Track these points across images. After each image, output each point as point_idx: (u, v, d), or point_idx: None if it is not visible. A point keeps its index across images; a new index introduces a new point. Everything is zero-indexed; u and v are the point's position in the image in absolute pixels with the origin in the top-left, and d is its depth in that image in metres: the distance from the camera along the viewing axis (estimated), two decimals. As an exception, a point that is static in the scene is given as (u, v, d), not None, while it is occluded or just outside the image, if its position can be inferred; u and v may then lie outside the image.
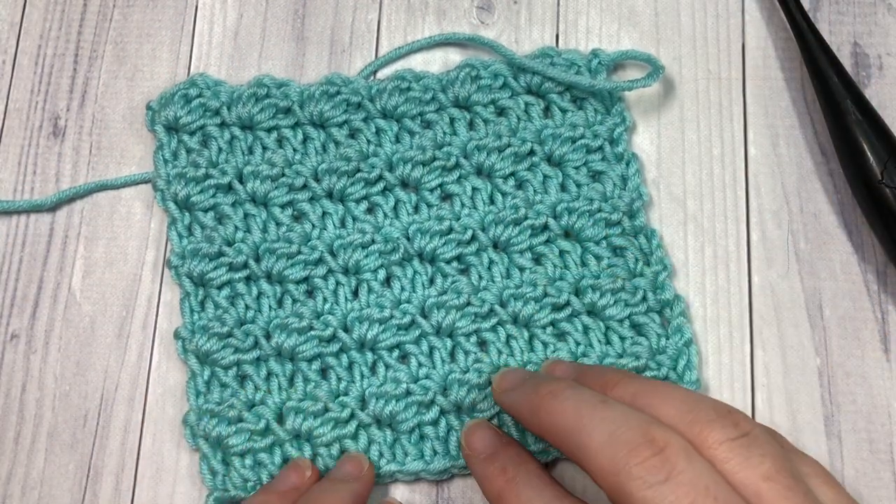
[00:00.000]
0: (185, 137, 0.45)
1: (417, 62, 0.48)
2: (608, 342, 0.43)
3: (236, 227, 0.44)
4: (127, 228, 0.46)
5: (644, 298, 0.43)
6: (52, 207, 0.46)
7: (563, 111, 0.45)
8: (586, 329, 0.43)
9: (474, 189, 0.45)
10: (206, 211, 0.44)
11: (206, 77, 0.46)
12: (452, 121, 0.46)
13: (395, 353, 0.43)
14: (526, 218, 0.43)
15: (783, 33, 0.48)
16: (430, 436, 0.42)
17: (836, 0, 0.48)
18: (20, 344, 0.45)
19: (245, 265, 0.43)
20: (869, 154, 0.42)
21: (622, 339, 0.42)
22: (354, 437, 0.41)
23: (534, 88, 0.46)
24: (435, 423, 0.42)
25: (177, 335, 0.43)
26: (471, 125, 0.46)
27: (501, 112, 0.46)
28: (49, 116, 0.48)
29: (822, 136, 0.46)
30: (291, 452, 0.41)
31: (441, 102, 0.46)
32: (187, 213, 0.44)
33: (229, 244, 0.43)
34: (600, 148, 0.44)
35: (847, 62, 0.46)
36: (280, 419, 0.41)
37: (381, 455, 0.41)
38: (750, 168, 0.46)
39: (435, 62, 0.48)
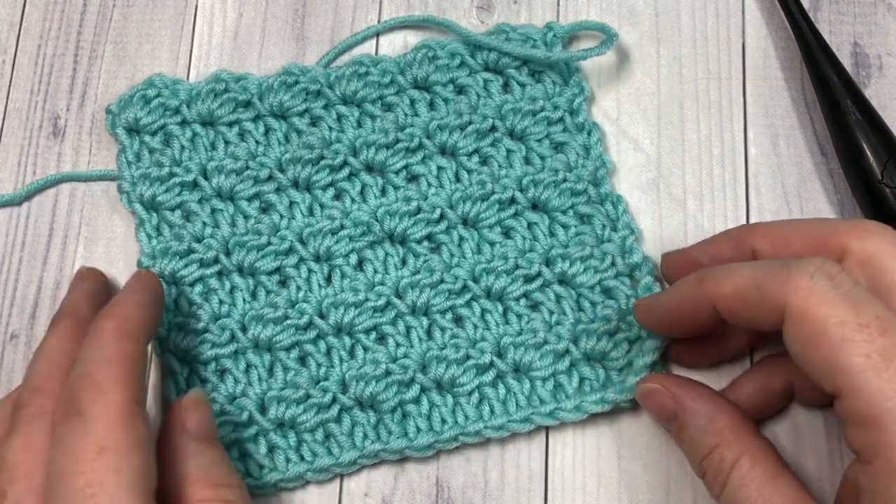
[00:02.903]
0: (147, 138, 0.45)
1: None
2: (580, 309, 0.43)
3: (204, 224, 0.44)
4: (127, 228, 0.46)
5: (613, 263, 0.43)
6: (24, 200, 0.46)
7: (522, 85, 0.46)
8: (559, 298, 0.43)
9: (439, 168, 0.45)
10: (172, 210, 0.44)
11: (164, 76, 0.46)
12: (413, 102, 0.46)
13: (373, 335, 0.43)
14: (493, 193, 0.44)
15: (783, 33, 0.48)
16: (412, 413, 0.42)
17: (836, 0, 0.48)
18: (20, 344, 0.45)
19: (216, 260, 0.43)
20: (869, 154, 0.42)
21: (593, 304, 0.43)
22: (338, 420, 0.42)
23: (491, 65, 0.46)
24: (416, 400, 0.42)
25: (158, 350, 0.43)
26: (431, 105, 0.46)
27: (461, 90, 0.46)
28: (49, 116, 0.48)
29: (822, 136, 0.46)
30: (276, 441, 0.41)
31: (400, 85, 0.46)
32: (154, 214, 0.44)
33: (198, 241, 0.44)
34: (561, 119, 0.45)
35: (847, 62, 0.46)
36: (262, 409, 0.42)
37: (365, 436, 0.42)
38: (750, 168, 0.46)
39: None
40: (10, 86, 0.48)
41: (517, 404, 0.42)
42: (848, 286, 0.31)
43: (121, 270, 0.45)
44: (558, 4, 0.49)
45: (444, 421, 0.42)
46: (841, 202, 0.45)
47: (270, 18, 0.49)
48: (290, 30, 0.49)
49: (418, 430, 0.42)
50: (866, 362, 0.30)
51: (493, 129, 0.45)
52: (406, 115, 0.46)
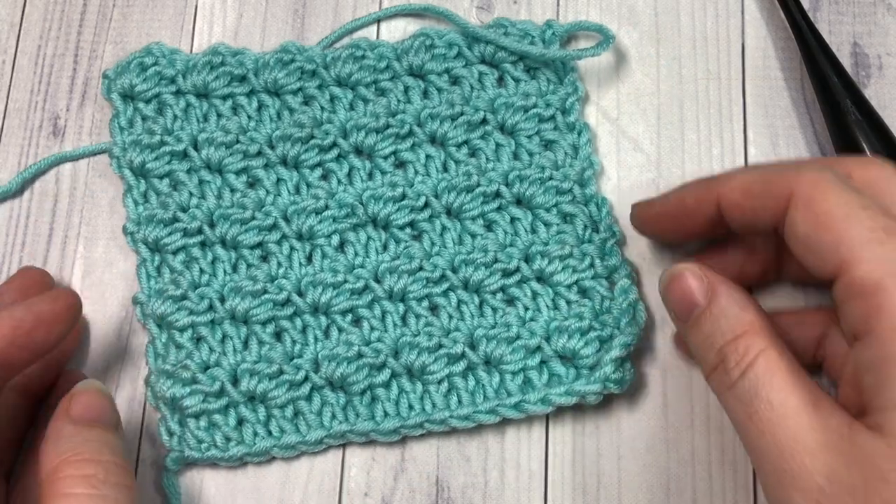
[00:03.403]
0: (141, 105, 0.45)
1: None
2: (556, 307, 0.43)
3: (191, 194, 0.44)
4: (127, 228, 0.46)
5: (591, 265, 0.43)
6: (19, 191, 0.47)
7: (517, 81, 0.46)
8: (535, 295, 0.43)
9: (428, 157, 0.45)
10: (161, 178, 0.45)
11: (162, 45, 0.46)
12: (407, 89, 0.46)
13: (349, 317, 0.43)
14: (478, 185, 0.44)
15: (783, 33, 0.48)
16: (381, 397, 0.42)
17: (835, 0, 0.48)
18: (20, 344, 0.45)
19: (199, 230, 0.43)
20: (869, 154, 0.42)
21: (569, 303, 0.43)
22: (308, 398, 0.42)
23: (487, 58, 0.46)
24: (386, 385, 0.42)
25: (135, 300, 0.44)
26: (425, 94, 0.46)
27: (455, 81, 0.46)
28: (49, 116, 0.48)
29: (821, 136, 0.46)
30: (245, 414, 0.42)
31: (395, 71, 0.46)
32: (143, 181, 0.45)
33: (184, 210, 0.44)
34: (552, 117, 0.45)
35: (847, 62, 0.46)
36: (235, 381, 0.42)
37: (333, 416, 0.42)
38: (750, 168, 0.46)
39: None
40: (10, 86, 0.48)
41: (485, 396, 0.42)
42: (847, 183, 0.33)
43: (121, 270, 0.45)
44: (558, 4, 0.49)
45: (411, 407, 0.42)
46: (841, 202, 0.45)
47: (270, 18, 0.49)
48: (290, 30, 0.49)
49: (385, 414, 0.42)
50: (871, 235, 0.31)
51: (484, 121, 0.45)
52: (399, 101, 0.46)
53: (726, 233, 0.39)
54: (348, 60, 0.46)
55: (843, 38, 0.47)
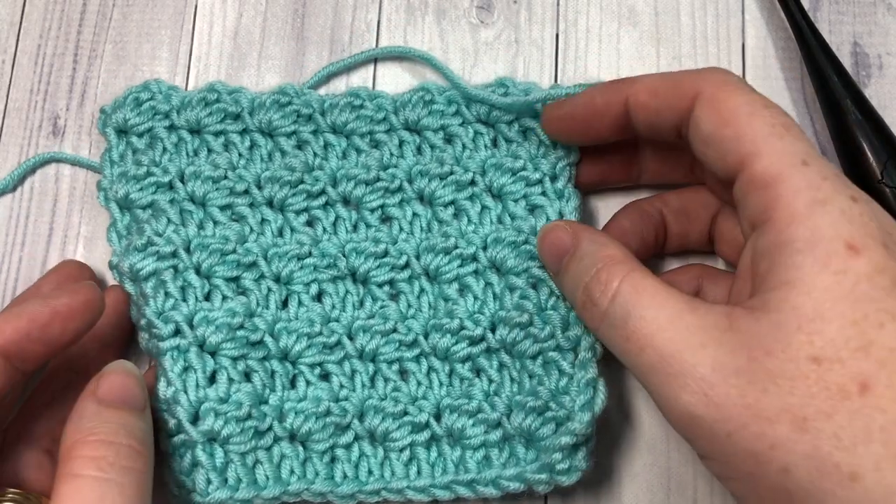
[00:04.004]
0: (134, 139, 0.45)
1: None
2: (520, 381, 0.41)
3: (169, 220, 0.43)
4: (127, 228, 0.46)
5: (552, 335, 0.41)
6: (14, 188, 0.47)
7: (509, 142, 0.44)
8: (501, 366, 0.42)
9: (414, 214, 0.44)
10: (143, 208, 0.43)
11: (161, 82, 0.45)
12: (401, 143, 0.45)
13: (317, 370, 0.42)
14: (455, 247, 0.43)
15: (783, 33, 0.48)
16: (341, 458, 0.41)
17: (835, 0, 0.48)
18: (20, 344, 0.44)
19: (174, 255, 0.42)
20: (869, 154, 0.42)
21: (531, 377, 0.41)
22: (268, 449, 0.41)
23: (483, 117, 0.45)
24: (348, 447, 0.41)
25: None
26: (419, 150, 0.45)
27: (450, 139, 0.45)
28: (48, 116, 0.48)
29: (822, 135, 0.46)
30: (200, 457, 0.39)
31: (392, 124, 0.45)
32: (126, 213, 0.44)
33: (159, 235, 0.42)
34: (540, 181, 0.43)
35: (847, 62, 0.46)
36: (195, 420, 0.40)
37: (291, 471, 0.41)
38: (750, 168, 0.46)
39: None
40: (9, 85, 0.48)
41: (444, 469, 0.41)
42: (750, 89, 0.35)
43: (121, 270, 0.46)
44: (558, 4, 0.49)
45: (370, 472, 0.41)
46: (841, 202, 0.45)
47: (270, 18, 0.49)
48: (290, 30, 0.49)
49: (345, 476, 0.41)
50: (772, 130, 0.33)
51: (473, 182, 0.44)
52: (392, 155, 0.45)
53: (630, 137, 0.40)
54: (345, 109, 0.45)
55: (844, 37, 0.47)
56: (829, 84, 0.44)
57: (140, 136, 0.45)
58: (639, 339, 0.33)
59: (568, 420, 0.39)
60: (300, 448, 0.41)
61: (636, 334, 0.33)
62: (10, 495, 0.37)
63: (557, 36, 0.48)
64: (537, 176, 0.43)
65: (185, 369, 0.41)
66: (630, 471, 0.42)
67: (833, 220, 0.31)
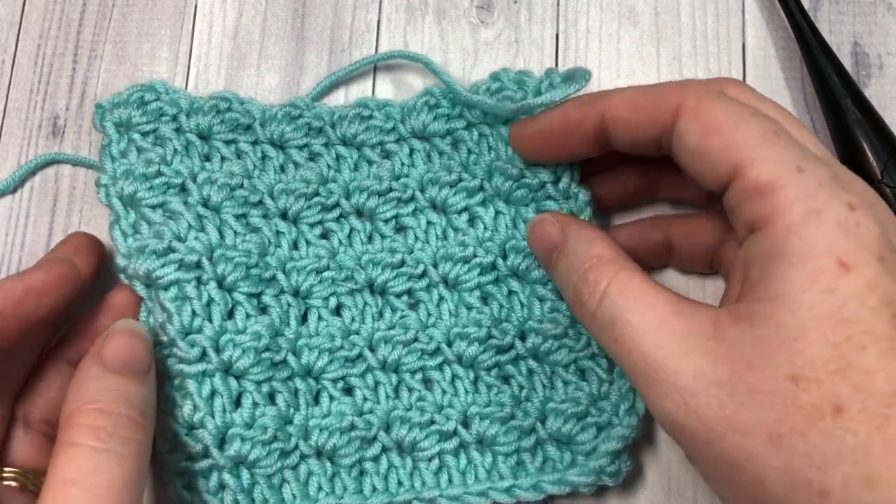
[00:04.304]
0: (137, 137, 0.43)
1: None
2: (552, 387, 0.42)
3: (189, 226, 0.41)
4: (127, 228, 0.46)
5: (588, 344, 0.41)
6: (16, 188, 0.46)
7: (507, 144, 0.43)
8: (531, 373, 0.42)
9: (429, 223, 0.43)
10: (153, 208, 0.42)
11: (166, 84, 0.44)
12: (412, 152, 0.44)
13: (340, 384, 0.42)
14: (474, 256, 0.42)
15: (783, 33, 0.48)
16: (370, 471, 0.41)
17: (836, 0, 0.48)
18: (20, 344, 0.44)
19: (198, 265, 0.40)
20: (869, 153, 0.42)
21: (566, 383, 0.41)
22: (294, 467, 0.40)
23: (486, 119, 0.44)
24: (376, 459, 0.41)
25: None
26: (429, 157, 0.44)
27: (456, 144, 0.44)
28: (48, 116, 0.48)
29: (822, 135, 0.46)
30: (227, 480, 0.39)
31: (401, 133, 0.44)
32: (132, 212, 0.42)
33: (180, 240, 0.41)
34: (543, 186, 0.42)
35: (847, 62, 0.46)
36: (222, 444, 0.39)
37: (319, 488, 0.40)
38: (750, 168, 0.46)
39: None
40: (9, 85, 0.48)
41: (476, 476, 0.41)
42: (731, 98, 0.34)
43: (120, 270, 0.45)
44: (558, 4, 0.49)
45: (400, 483, 0.41)
46: (841, 202, 0.45)
47: (270, 18, 0.49)
48: (290, 29, 0.49)
49: (374, 488, 0.41)
50: (762, 137, 0.32)
51: (482, 188, 0.43)
52: (403, 164, 0.44)
53: (605, 153, 0.39)
54: (354, 120, 0.44)
55: (844, 37, 0.47)
56: (830, 84, 0.44)
57: (145, 135, 0.43)
58: (625, 342, 0.33)
59: (609, 425, 0.40)
60: (327, 463, 0.41)
61: (623, 337, 0.33)
62: (7, 474, 0.37)
63: (557, 36, 0.48)
64: (537, 182, 0.42)
65: (212, 394, 0.40)
66: (630, 471, 0.42)
67: (827, 233, 0.30)
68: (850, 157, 0.43)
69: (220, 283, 0.41)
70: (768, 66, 0.47)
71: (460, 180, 0.43)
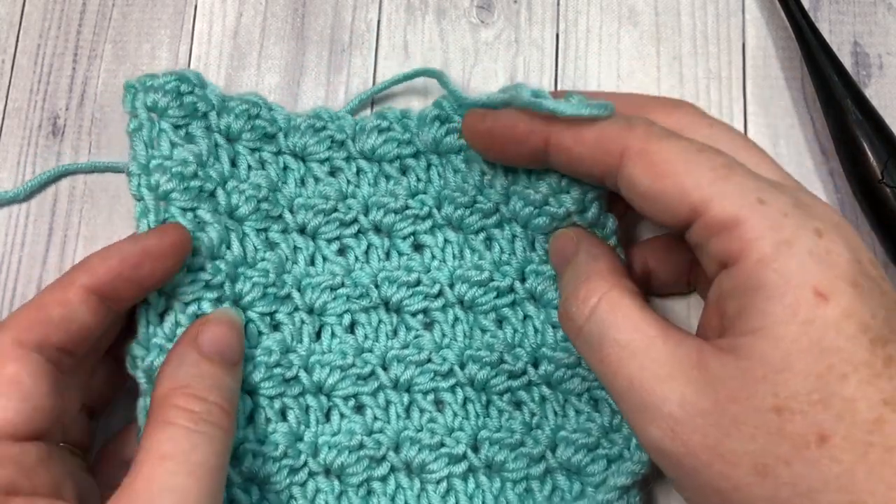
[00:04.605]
0: (168, 128, 0.41)
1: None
2: (564, 415, 0.41)
3: (220, 240, 0.40)
4: (127, 229, 0.46)
5: None
6: (27, 197, 0.46)
7: (534, 171, 0.41)
8: (543, 400, 0.41)
9: (446, 241, 0.43)
10: (184, 211, 0.40)
11: (199, 74, 0.42)
12: (429, 167, 0.43)
13: (351, 402, 0.41)
14: (491, 280, 0.41)
15: (783, 32, 0.48)
16: (377, 491, 0.41)
17: (836, 0, 0.48)
18: (20, 344, 0.44)
19: (221, 286, 0.40)
20: (869, 154, 0.42)
21: (578, 413, 0.41)
22: (303, 485, 0.40)
23: None
24: (384, 479, 0.41)
25: (134, 366, 0.39)
26: (444, 173, 0.43)
27: (469, 162, 0.42)
28: (48, 116, 0.48)
29: (822, 135, 0.46)
30: (237, 495, 0.39)
31: (417, 146, 0.43)
32: (162, 208, 0.40)
33: (212, 258, 0.40)
34: (568, 216, 0.40)
35: (847, 61, 0.46)
36: (233, 460, 0.39)
37: None
38: (750, 168, 0.46)
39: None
40: (9, 85, 0.48)
41: (483, 502, 0.41)
42: (677, 135, 0.34)
43: (120, 270, 0.45)
44: (558, 4, 0.49)
45: None
46: (841, 202, 0.45)
47: (270, 17, 0.49)
48: (290, 29, 0.49)
49: None
50: (714, 174, 0.32)
51: (497, 211, 0.42)
52: (419, 180, 0.43)
53: (544, 166, 0.39)
54: (373, 132, 0.43)
55: (844, 37, 0.47)
56: (830, 84, 0.44)
57: (177, 128, 0.41)
58: (612, 363, 0.33)
59: (620, 458, 0.40)
60: (335, 482, 0.41)
61: (609, 358, 0.33)
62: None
63: (557, 36, 0.48)
64: (562, 212, 0.40)
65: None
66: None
67: (801, 263, 0.30)
68: (850, 157, 0.43)
69: (237, 302, 0.41)
70: (768, 66, 0.47)
71: (475, 202, 0.42)
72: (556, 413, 0.41)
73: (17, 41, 0.49)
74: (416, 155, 0.43)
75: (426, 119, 0.43)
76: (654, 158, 0.33)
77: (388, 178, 0.43)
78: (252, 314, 0.41)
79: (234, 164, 0.42)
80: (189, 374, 0.36)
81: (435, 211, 0.43)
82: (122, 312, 0.38)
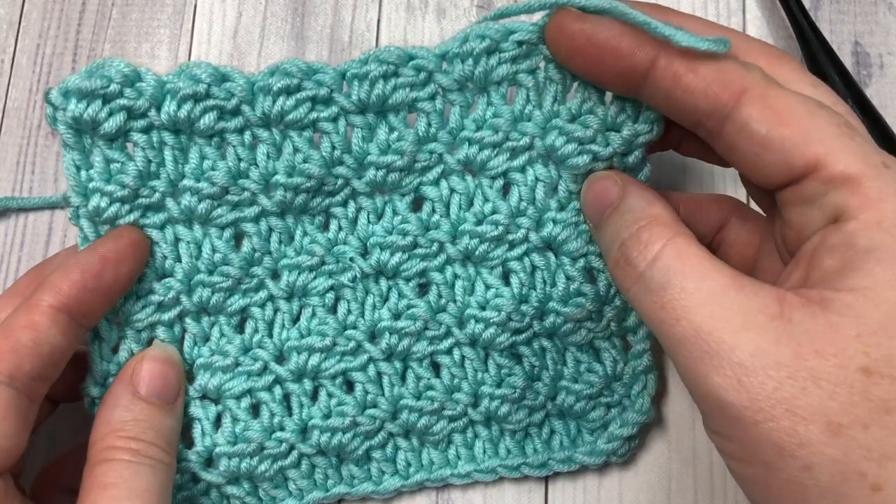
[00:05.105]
0: (101, 143, 0.36)
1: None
2: (563, 363, 0.41)
3: (165, 257, 0.38)
4: (126, 228, 0.46)
5: (608, 325, 0.40)
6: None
7: (586, 100, 0.37)
8: (543, 350, 0.40)
9: (452, 191, 0.39)
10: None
11: (121, 64, 0.35)
12: (446, 106, 0.38)
13: (339, 380, 0.40)
14: (507, 233, 0.38)
15: (784, 32, 0.47)
16: (376, 458, 0.41)
17: (836, 0, 0.48)
18: (20, 344, 0.44)
19: (176, 301, 0.38)
20: (870, 153, 0.42)
21: (578, 362, 0.41)
22: (297, 465, 0.40)
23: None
24: (382, 446, 0.41)
25: (92, 405, 0.38)
26: (468, 110, 0.38)
27: (510, 86, 0.38)
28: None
29: (822, 135, 0.46)
30: (231, 490, 0.40)
31: (440, 84, 0.37)
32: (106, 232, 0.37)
33: (159, 278, 0.38)
34: (609, 158, 0.37)
35: (848, 61, 0.46)
36: (208, 463, 0.39)
37: (326, 477, 0.41)
38: (750, 167, 0.46)
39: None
40: (8, 85, 0.48)
41: (484, 451, 0.41)
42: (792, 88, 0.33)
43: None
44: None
45: (409, 464, 0.41)
46: (841, 202, 0.45)
47: (270, 17, 0.49)
48: (290, 28, 0.49)
49: (382, 473, 0.41)
50: (839, 129, 0.31)
51: (530, 147, 0.38)
52: (430, 125, 0.38)
53: (630, 91, 0.35)
54: (378, 80, 0.37)
55: (845, 37, 0.47)
56: (830, 83, 0.43)
57: (112, 140, 0.36)
58: (675, 309, 0.31)
59: (620, 404, 0.41)
60: (333, 459, 0.41)
61: (672, 304, 0.31)
62: None
63: (558, 35, 0.48)
64: (607, 152, 0.37)
65: (190, 422, 0.39)
66: (630, 471, 0.42)
67: None
68: (851, 157, 0.43)
69: (199, 313, 0.39)
70: (769, 65, 0.47)
71: (507, 139, 0.38)
72: (555, 362, 0.40)
73: (17, 41, 0.49)
74: (433, 96, 0.38)
75: (470, 53, 0.36)
76: (776, 105, 0.32)
77: (391, 129, 0.38)
78: (220, 317, 0.39)
79: (185, 156, 0.37)
80: (124, 418, 0.36)
81: (447, 156, 0.38)
82: (89, 330, 0.37)
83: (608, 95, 0.37)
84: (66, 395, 0.39)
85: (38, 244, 0.46)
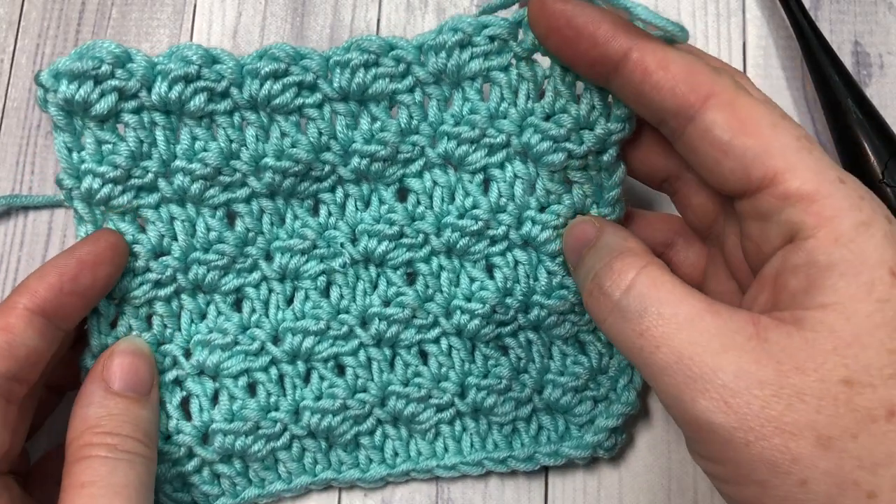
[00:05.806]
0: (92, 125, 0.37)
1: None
2: (550, 357, 0.41)
3: (161, 235, 0.38)
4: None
5: (591, 320, 0.40)
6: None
7: (558, 96, 0.37)
8: (529, 343, 0.41)
9: (435, 184, 0.39)
10: (123, 214, 0.38)
11: (111, 45, 0.36)
12: (427, 98, 0.39)
13: (331, 363, 0.41)
14: (488, 228, 0.39)
15: (784, 32, 0.47)
16: (365, 445, 0.41)
17: (836, -1, 0.48)
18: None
19: (172, 279, 0.39)
20: (870, 153, 0.42)
21: (564, 355, 0.41)
22: (287, 447, 0.41)
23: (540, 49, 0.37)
24: (371, 432, 0.41)
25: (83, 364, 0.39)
26: (445, 104, 0.39)
27: (485, 83, 0.38)
28: (47, 115, 0.48)
29: (822, 135, 0.46)
30: (221, 469, 0.41)
31: (417, 77, 0.38)
32: (101, 214, 0.38)
33: (156, 257, 0.38)
34: (584, 156, 0.37)
35: (848, 61, 0.46)
36: (205, 439, 0.40)
37: (315, 462, 0.41)
38: (750, 167, 0.46)
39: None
40: (8, 84, 0.48)
41: (472, 444, 0.41)
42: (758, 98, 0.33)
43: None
44: (558, 3, 0.49)
45: (396, 454, 0.42)
46: (841, 202, 0.45)
47: (269, 17, 0.49)
48: (290, 28, 0.49)
49: (370, 460, 0.41)
50: (799, 143, 0.31)
51: (507, 144, 0.38)
52: (411, 117, 0.38)
53: (599, 79, 0.35)
54: (358, 69, 0.37)
55: (845, 36, 0.47)
56: (830, 83, 0.43)
57: (103, 121, 0.36)
58: (654, 336, 0.32)
59: (606, 399, 0.41)
60: (322, 442, 0.41)
61: (651, 331, 0.32)
62: None
63: (558, 35, 0.48)
64: (582, 150, 0.37)
65: (187, 398, 0.40)
66: (630, 471, 0.42)
67: (877, 245, 0.30)
68: (851, 156, 0.43)
69: (195, 290, 0.40)
70: (769, 65, 0.47)
71: (484, 135, 0.38)
72: (541, 355, 0.41)
73: (17, 40, 0.49)
74: (412, 89, 0.38)
75: (443, 46, 0.37)
76: (742, 113, 0.32)
77: (373, 118, 0.39)
78: (216, 296, 0.40)
79: (177, 137, 0.38)
80: (99, 414, 0.36)
81: (429, 150, 0.39)
82: (71, 330, 0.37)
83: (579, 89, 0.37)
84: (75, 383, 0.39)
85: (37, 244, 0.46)
